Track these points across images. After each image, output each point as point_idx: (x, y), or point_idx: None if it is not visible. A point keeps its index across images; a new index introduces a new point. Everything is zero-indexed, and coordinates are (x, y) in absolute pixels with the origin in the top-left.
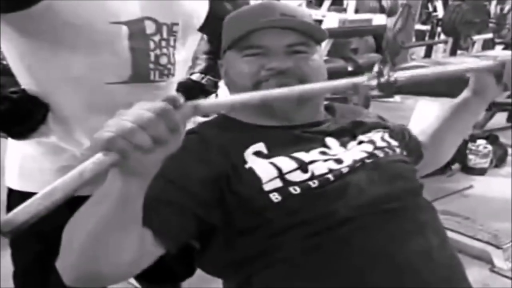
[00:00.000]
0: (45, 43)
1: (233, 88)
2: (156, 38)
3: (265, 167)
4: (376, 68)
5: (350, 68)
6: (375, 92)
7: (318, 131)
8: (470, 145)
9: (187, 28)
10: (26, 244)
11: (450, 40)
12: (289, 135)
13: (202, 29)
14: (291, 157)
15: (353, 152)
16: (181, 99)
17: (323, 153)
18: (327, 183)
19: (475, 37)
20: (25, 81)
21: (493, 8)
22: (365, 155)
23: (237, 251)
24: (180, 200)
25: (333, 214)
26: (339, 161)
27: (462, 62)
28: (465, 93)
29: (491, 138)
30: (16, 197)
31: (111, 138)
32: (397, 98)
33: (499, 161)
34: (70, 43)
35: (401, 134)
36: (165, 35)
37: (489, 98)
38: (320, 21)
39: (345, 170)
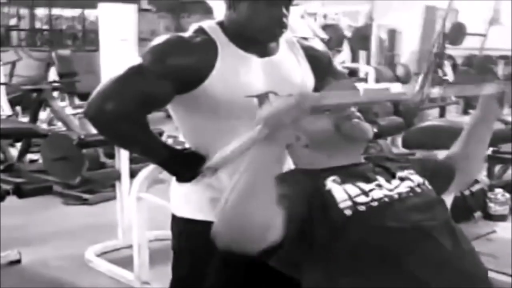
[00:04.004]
0: (201, 115)
1: (317, 142)
2: None
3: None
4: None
5: (375, 130)
6: None
7: (369, 169)
8: (489, 194)
9: None
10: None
11: (461, 101)
12: (353, 171)
13: None
14: (356, 185)
15: (399, 187)
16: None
17: (378, 185)
18: (384, 205)
19: None
20: (190, 142)
21: (500, 69)
22: (408, 189)
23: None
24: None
25: (391, 228)
26: (390, 190)
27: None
28: (474, 120)
29: (508, 187)
30: (181, 222)
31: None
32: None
33: None
34: (218, 114)
35: (424, 167)
36: None
37: (494, 119)
38: None
39: (396, 196)
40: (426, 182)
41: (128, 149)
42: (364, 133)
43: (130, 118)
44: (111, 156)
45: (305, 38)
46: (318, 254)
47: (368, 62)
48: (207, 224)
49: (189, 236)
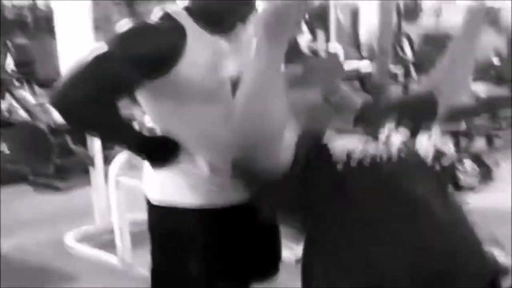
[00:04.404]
0: (171, 101)
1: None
2: None
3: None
4: None
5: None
6: None
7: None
8: (458, 165)
9: None
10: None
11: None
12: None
13: None
14: (351, 145)
15: (390, 147)
16: None
17: (370, 146)
18: (375, 166)
19: None
20: (160, 128)
21: None
22: (398, 153)
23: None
24: None
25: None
26: (381, 152)
27: None
28: (458, 37)
29: (476, 159)
30: (158, 209)
31: None
32: None
33: (485, 178)
34: (188, 99)
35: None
36: None
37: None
38: None
39: (384, 155)
40: (414, 142)
41: (97, 136)
42: (352, 102)
43: (97, 106)
44: (81, 142)
45: None
46: (321, 204)
47: (328, 42)
48: (186, 210)
49: (167, 223)
